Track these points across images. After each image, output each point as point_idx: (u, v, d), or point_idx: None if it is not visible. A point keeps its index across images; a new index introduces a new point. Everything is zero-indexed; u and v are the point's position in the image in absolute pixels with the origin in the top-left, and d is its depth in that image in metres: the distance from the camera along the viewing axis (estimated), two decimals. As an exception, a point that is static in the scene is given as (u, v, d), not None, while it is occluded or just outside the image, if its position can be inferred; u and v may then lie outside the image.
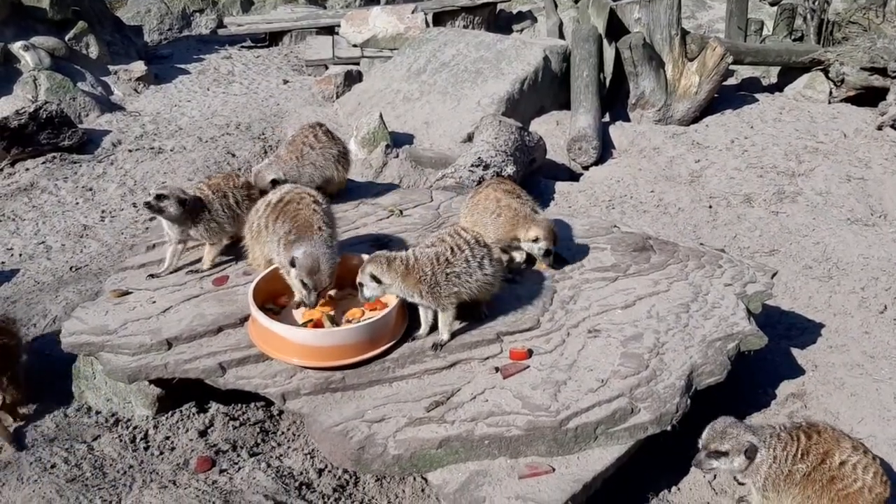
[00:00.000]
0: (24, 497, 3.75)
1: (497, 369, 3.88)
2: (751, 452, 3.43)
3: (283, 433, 4.30)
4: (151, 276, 4.71)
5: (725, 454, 3.46)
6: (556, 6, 12.76)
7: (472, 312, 4.18)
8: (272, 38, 13.45)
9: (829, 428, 3.53)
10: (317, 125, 5.56)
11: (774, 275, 4.90)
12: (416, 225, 5.22)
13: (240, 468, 3.96)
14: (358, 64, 11.67)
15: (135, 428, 4.31)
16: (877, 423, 4.35)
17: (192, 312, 4.29)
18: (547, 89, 9.62)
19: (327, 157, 5.38)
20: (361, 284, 3.94)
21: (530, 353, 4.00)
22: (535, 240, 4.52)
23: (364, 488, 3.89)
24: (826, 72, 10.00)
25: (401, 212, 5.42)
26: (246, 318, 4.18)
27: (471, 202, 4.78)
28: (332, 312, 4.22)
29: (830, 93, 9.86)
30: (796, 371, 4.85)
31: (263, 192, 4.84)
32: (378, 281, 3.89)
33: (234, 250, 4.85)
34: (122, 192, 7.62)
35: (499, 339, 4.10)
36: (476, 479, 3.44)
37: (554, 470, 3.47)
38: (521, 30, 13.42)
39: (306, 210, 4.18)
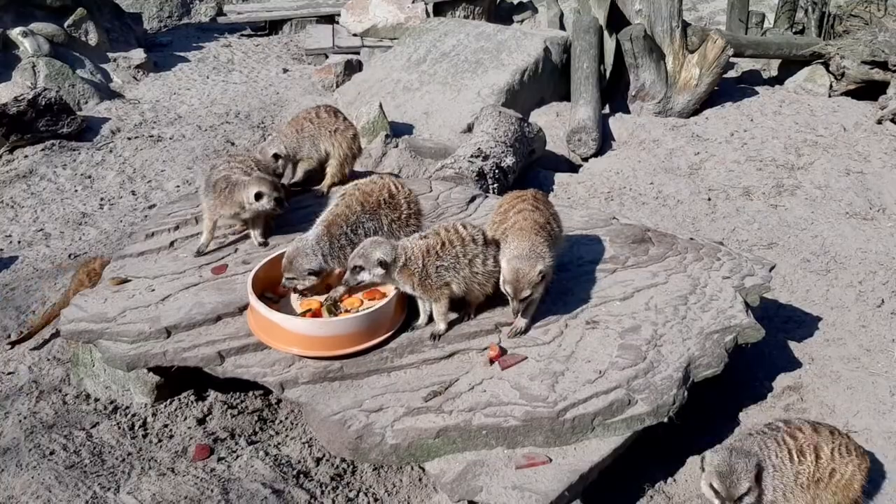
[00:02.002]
0: (23, 483, 3.77)
1: (491, 362, 3.89)
2: (758, 474, 3.27)
3: (281, 422, 4.32)
4: (199, 252, 4.81)
5: (748, 492, 3.26)
6: (556, -3, 12.72)
7: (459, 311, 4.16)
8: (272, 27, 13.40)
9: (800, 422, 3.51)
10: (323, 105, 5.65)
11: (772, 268, 4.90)
12: (416, 215, 5.21)
13: (238, 456, 3.98)
14: (358, 53, 11.63)
15: (133, 415, 4.33)
16: (872, 417, 4.36)
17: (191, 301, 4.30)
18: (547, 80, 9.60)
19: (322, 133, 5.41)
20: (361, 268, 3.86)
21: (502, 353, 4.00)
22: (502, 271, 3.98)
23: (362, 477, 3.90)
24: (827, 65, 9.98)
25: (400, 202, 5.41)
26: (245, 307, 4.18)
27: (498, 223, 4.29)
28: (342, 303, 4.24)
29: (831, 86, 9.85)
30: (793, 364, 4.87)
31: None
32: (385, 267, 3.85)
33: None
34: (121, 180, 7.61)
35: (497, 330, 4.10)
36: (473, 469, 3.45)
37: (551, 460, 3.48)
38: (522, 20, 13.36)
39: (339, 206, 4.27)
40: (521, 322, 4.07)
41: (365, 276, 3.89)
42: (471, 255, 3.97)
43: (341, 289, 4.25)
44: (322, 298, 4.24)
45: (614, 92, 9.81)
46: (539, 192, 4.45)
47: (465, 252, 3.96)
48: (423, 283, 3.90)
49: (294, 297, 4.29)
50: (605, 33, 9.95)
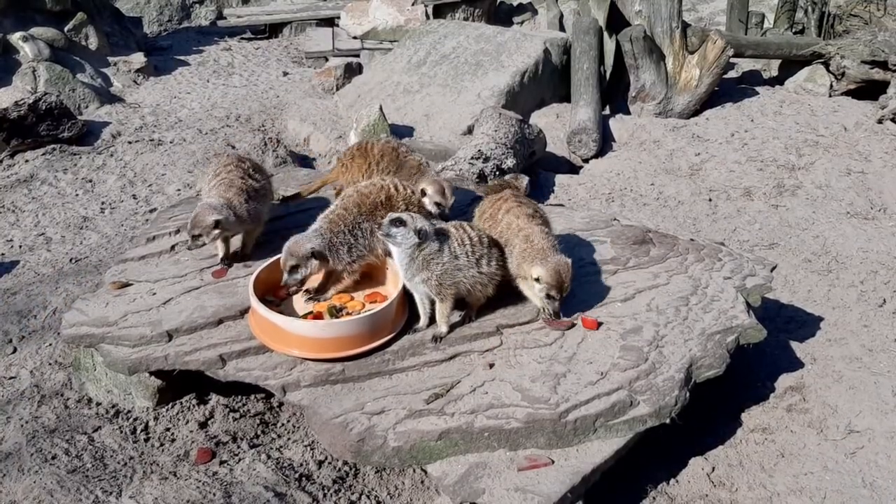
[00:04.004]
0: (24, 488, 3.77)
1: (491, 366, 3.88)
2: None
3: (283, 425, 4.32)
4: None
5: None
6: (556, -2, 12.74)
7: (461, 313, 4.16)
8: (272, 30, 13.43)
9: None
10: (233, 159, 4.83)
11: (774, 268, 4.90)
12: (416, 217, 5.20)
13: (240, 460, 3.98)
14: (358, 56, 11.64)
15: (135, 419, 4.32)
16: (875, 417, 4.36)
17: (193, 304, 4.30)
18: (547, 82, 9.61)
19: None
20: (402, 222, 3.78)
21: (600, 324, 4.12)
22: (537, 279, 3.98)
23: (364, 480, 3.90)
24: (827, 65, 9.99)
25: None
26: (246, 311, 4.18)
27: (490, 227, 4.32)
28: (337, 304, 4.24)
29: (831, 86, 9.85)
30: (795, 364, 4.86)
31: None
32: (423, 237, 3.81)
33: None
34: (122, 184, 7.61)
35: (498, 332, 4.10)
36: (475, 471, 3.45)
37: (553, 462, 3.48)
38: (522, 22, 13.38)
39: (337, 208, 4.31)
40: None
41: (400, 232, 3.80)
42: (478, 255, 3.98)
43: (334, 288, 4.30)
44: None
45: (614, 93, 9.82)
46: (512, 188, 4.55)
47: (473, 251, 3.97)
48: (440, 280, 3.89)
49: (295, 299, 4.29)
50: (605, 34, 9.96)
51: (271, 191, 4.94)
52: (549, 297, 3.99)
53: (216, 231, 4.37)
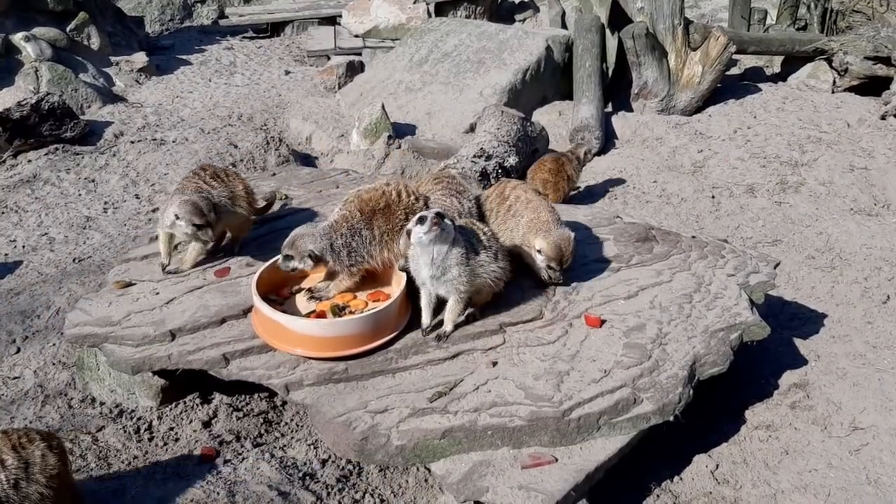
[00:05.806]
0: (29, 487, 3.77)
1: (494, 364, 3.88)
2: None
3: (286, 424, 4.32)
4: None
5: None
6: (558, -4, 12.72)
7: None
8: (274, 29, 13.43)
9: None
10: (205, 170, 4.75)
11: (777, 265, 4.89)
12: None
13: (243, 459, 3.98)
14: (360, 54, 11.65)
15: (139, 419, 4.33)
16: (879, 413, 4.35)
17: (196, 304, 4.30)
18: (549, 79, 9.60)
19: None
20: (424, 219, 3.70)
21: (603, 322, 4.16)
22: (539, 251, 4.25)
23: (367, 479, 3.90)
24: (829, 61, 9.97)
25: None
26: (249, 310, 4.18)
27: (498, 204, 4.59)
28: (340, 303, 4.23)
29: (834, 82, 9.83)
30: (799, 361, 4.85)
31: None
32: (442, 228, 3.73)
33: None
34: (125, 184, 7.62)
35: (502, 330, 4.10)
36: (479, 469, 3.45)
37: (557, 460, 3.48)
38: (524, 19, 13.37)
39: (341, 211, 4.25)
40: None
41: (422, 230, 3.71)
42: (494, 250, 4.02)
43: (335, 288, 4.27)
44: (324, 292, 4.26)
45: (617, 90, 9.80)
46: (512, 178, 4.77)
47: (490, 247, 4.00)
48: (469, 276, 3.89)
49: (298, 298, 4.29)
50: (608, 31, 9.96)
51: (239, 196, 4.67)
52: (549, 268, 4.26)
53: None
